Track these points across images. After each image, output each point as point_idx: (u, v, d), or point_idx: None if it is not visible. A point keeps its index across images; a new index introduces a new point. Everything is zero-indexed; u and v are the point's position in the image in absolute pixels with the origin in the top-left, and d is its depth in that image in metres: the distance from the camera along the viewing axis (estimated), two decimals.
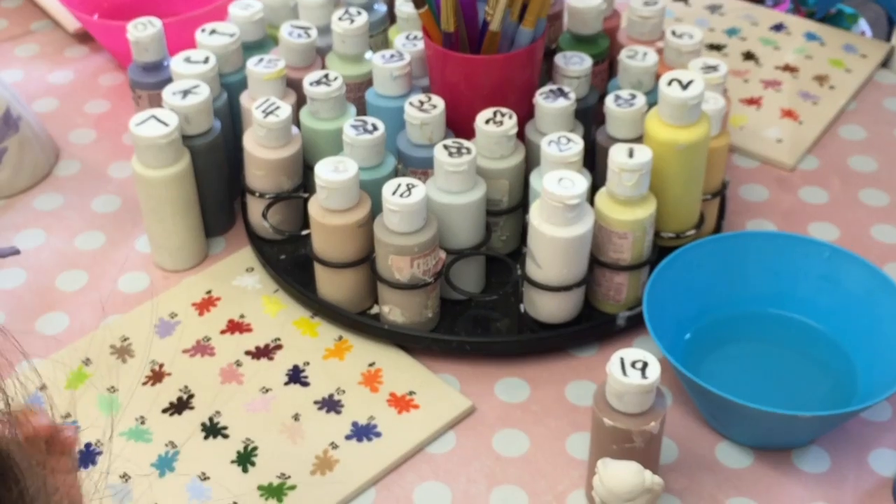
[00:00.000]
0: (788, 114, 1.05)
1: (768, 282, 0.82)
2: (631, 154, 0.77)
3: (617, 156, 0.77)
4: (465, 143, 0.81)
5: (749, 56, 1.14)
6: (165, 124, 0.86)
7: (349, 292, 0.84)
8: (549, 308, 0.81)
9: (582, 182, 0.76)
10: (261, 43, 0.99)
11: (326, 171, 0.79)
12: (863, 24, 1.46)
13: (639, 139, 0.85)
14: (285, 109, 0.86)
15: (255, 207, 0.91)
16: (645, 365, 0.67)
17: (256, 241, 0.92)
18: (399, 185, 0.77)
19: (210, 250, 0.94)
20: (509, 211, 0.86)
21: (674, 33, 0.93)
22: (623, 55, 0.91)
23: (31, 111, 1.03)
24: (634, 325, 0.84)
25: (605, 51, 0.97)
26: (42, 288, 0.91)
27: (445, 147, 0.80)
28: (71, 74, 1.16)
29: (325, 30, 0.97)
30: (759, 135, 1.03)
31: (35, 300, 0.90)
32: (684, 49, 0.92)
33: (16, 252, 0.84)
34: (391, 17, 1.04)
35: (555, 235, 0.77)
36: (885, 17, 1.49)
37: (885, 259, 0.90)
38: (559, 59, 0.91)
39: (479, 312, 0.85)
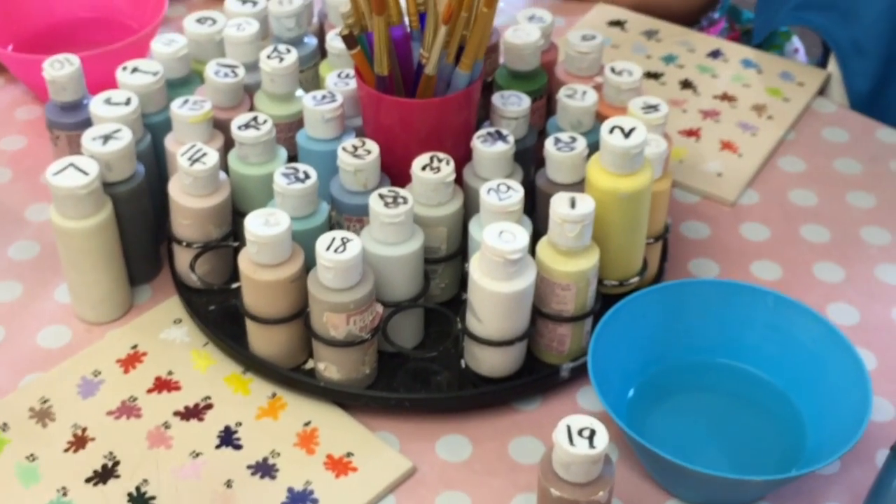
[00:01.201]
0: (728, 146, 1.04)
1: (714, 331, 0.80)
2: (573, 204, 0.75)
3: (559, 206, 0.75)
4: (402, 191, 0.78)
5: (687, 84, 1.12)
6: (85, 173, 0.81)
7: (282, 348, 0.80)
8: (490, 362, 0.79)
9: (523, 235, 0.74)
10: (186, 80, 0.95)
11: (257, 225, 0.76)
12: (796, 42, 1.46)
13: (580, 183, 0.83)
14: (212, 157, 0.82)
15: (182, 257, 0.87)
16: (593, 433, 0.64)
17: (184, 290, 0.88)
18: (333, 240, 0.74)
19: (135, 300, 0.90)
20: (448, 258, 0.83)
21: (613, 70, 0.91)
22: (562, 94, 0.88)
23: None
24: (578, 376, 0.81)
25: (543, 87, 0.94)
26: None
27: (381, 196, 0.77)
28: None
29: (252, 66, 0.94)
30: (699, 169, 1.02)
31: None
32: (624, 86, 0.90)
33: None
34: (322, 51, 1.01)
35: (496, 290, 0.74)
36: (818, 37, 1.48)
37: (828, 298, 0.89)
38: (496, 99, 0.88)
39: (418, 366, 0.82)
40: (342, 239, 0.74)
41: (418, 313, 0.82)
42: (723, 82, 1.13)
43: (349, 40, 0.82)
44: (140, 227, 0.88)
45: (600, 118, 0.90)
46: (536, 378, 0.81)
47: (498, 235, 0.73)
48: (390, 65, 0.80)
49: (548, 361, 0.82)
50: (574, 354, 0.81)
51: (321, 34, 1.03)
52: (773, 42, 1.45)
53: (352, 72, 0.90)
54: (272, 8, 0.97)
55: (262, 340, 0.81)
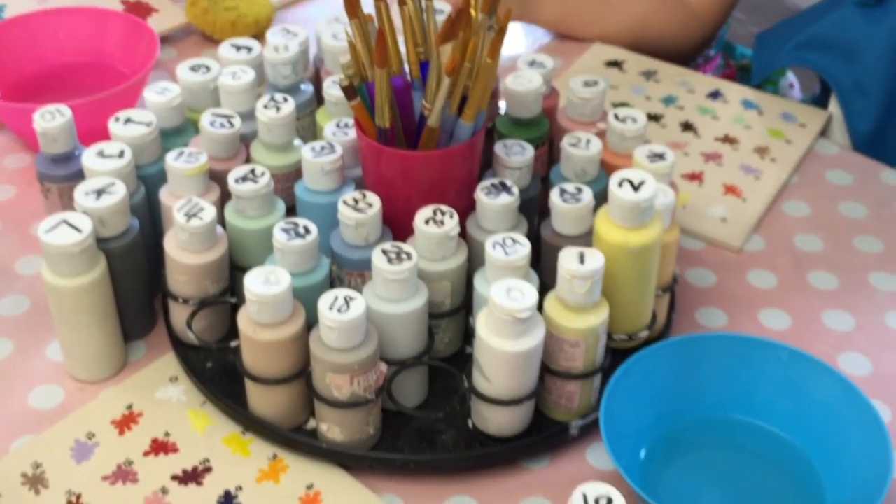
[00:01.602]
0: (731, 190, 1.03)
1: (728, 386, 0.78)
2: (582, 259, 0.73)
3: (567, 262, 0.73)
4: (405, 247, 0.76)
5: (687, 126, 1.11)
6: (78, 230, 0.79)
7: (283, 408, 0.78)
8: (498, 421, 0.76)
9: (532, 293, 0.72)
10: (180, 129, 0.93)
11: (256, 284, 0.73)
12: (790, 77, 1.45)
13: (586, 235, 0.81)
14: (209, 212, 0.80)
15: (177, 313, 0.84)
16: (609, 502, 0.62)
17: (180, 347, 0.85)
18: (336, 299, 0.72)
19: (129, 356, 0.87)
20: (452, 313, 0.81)
21: (616, 117, 0.89)
22: (566, 143, 0.86)
23: None
24: (588, 433, 0.79)
25: (545, 134, 0.93)
26: None
27: (384, 252, 0.75)
28: None
29: (248, 115, 0.92)
30: (703, 213, 1.00)
31: None
32: (628, 134, 0.88)
33: None
34: (318, 98, 0.99)
35: (504, 349, 0.72)
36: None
37: (839, 348, 0.88)
38: (499, 148, 0.86)
39: (423, 424, 0.79)
40: (345, 297, 0.72)
41: (422, 370, 0.80)
42: (724, 124, 1.11)
43: (349, 91, 0.80)
44: (134, 282, 0.86)
45: (604, 166, 0.88)
46: (545, 436, 0.78)
47: (506, 293, 0.71)
48: (392, 117, 0.79)
49: (556, 419, 0.79)
50: (583, 411, 0.79)
51: (317, 81, 1.01)
52: (769, 77, 1.44)
53: (350, 121, 0.88)
54: (268, 55, 0.95)
55: (262, 400, 0.78)
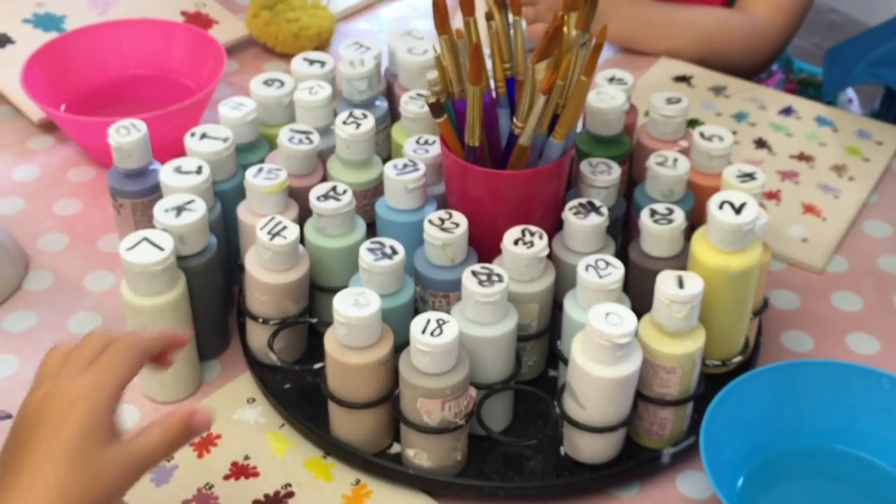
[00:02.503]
0: (810, 209, 1.00)
1: (827, 415, 0.76)
2: (681, 284, 0.71)
3: (665, 286, 0.71)
4: (496, 268, 0.74)
5: (761, 144, 1.09)
6: (160, 248, 0.77)
7: (367, 432, 0.76)
8: (590, 449, 0.74)
9: (631, 318, 0.70)
10: (254, 145, 0.92)
11: (346, 306, 0.71)
12: (850, 92, 1.43)
13: (677, 257, 0.79)
14: (293, 230, 0.78)
15: (256, 333, 0.83)
16: None
17: (257, 367, 0.84)
18: (428, 322, 0.70)
19: (204, 376, 0.85)
20: (538, 336, 0.79)
21: (702, 135, 0.87)
22: (652, 162, 0.84)
23: (5, 222, 0.94)
24: (678, 461, 0.77)
25: (626, 152, 0.91)
26: None
27: (474, 274, 0.73)
28: (37, 170, 1.07)
29: (324, 131, 0.90)
30: (783, 233, 0.98)
31: None
32: (715, 153, 0.86)
33: (7, 416, 0.75)
34: (392, 113, 0.97)
35: (602, 376, 0.70)
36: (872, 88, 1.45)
37: None
38: (585, 167, 0.84)
39: (509, 450, 0.77)
40: (438, 321, 0.70)
41: (509, 394, 0.78)
42: (798, 141, 1.09)
43: (436, 108, 0.78)
44: (211, 300, 0.84)
45: (690, 185, 0.86)
46: (636, 464, 0.76)
47: (604, 317, 0.69)
48: (482, 136, 0.77)
49: (647, 446, 0.77)
50: (674, 439, 0.77)
51: (390, 96, 0.99)
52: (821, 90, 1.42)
53: (430, 137, 0.87)
54: (343, 70, 0.94)
55: (346, 424, 0.77)
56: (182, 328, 0.80)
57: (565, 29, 0.75)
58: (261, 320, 0.81)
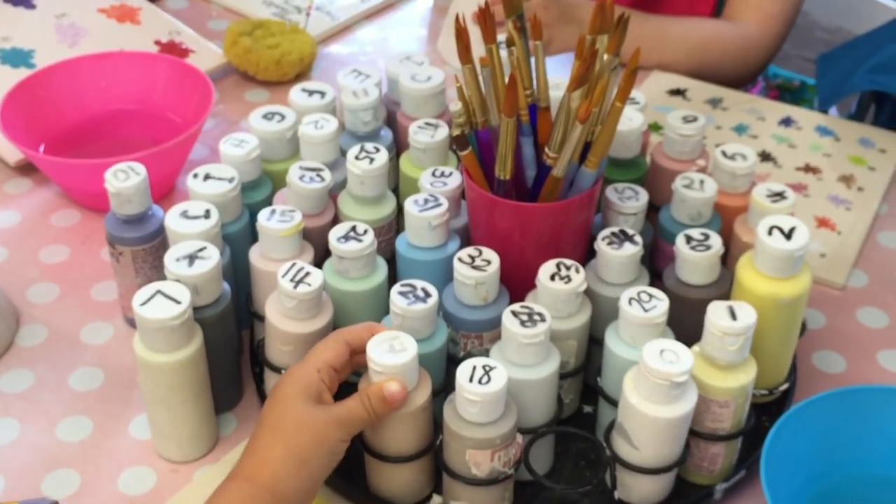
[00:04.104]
0: (824, 223, 0.99)
1: (881, 441, 0.73)
2: (734, 315, 0.68)
3: (718, 318, 0.68)
4: (536, 307, 0.70)
5: (766, 157, 1.07)
6: (176, 301, 0.73)
7: (406, 485, 0.72)
8: (643, 490, 0.71)
9: (687, 355, 0.67)
10: (257, 182, 0.87)
11: (381, 354, 0.68)
12: None
13: (715, 284, 0.76)
14: (317, 276, 0.74)
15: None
16: None
17: None
18: (474, 369, 0.66)
19: (220, 431, 0.81)
20: (575, 373, 0.76)
21: (724, 154, 0.85)
22: (679, 185, 0.82)
23: None
24: (728, 496, 0.75)
25: (645, 174, 0.88)
26: (25, 496, 0.76)
27: (515, 314, 0.70)
28: (16, 215, 1.01)
29: (331, 166, 0.86)
30: None
31: None
32: (739, 172, 0.84)
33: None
34: (397, 144, 0.93)
35: (659, 416, 0.67)
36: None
37: None
38: (611, 194, 0.81)
39: (553, 494, 0.74)
40: (484, 367, 0.67)
41: (551, 437, 0.75)
42: (802, 152, 1.07)
43: (461, 141, 0.75)
44: (225, 352, 0.80)
45: (715, 207, 0.84)
46: (689, 502, 0.73)
47: (659, 355, 0.66)
48: (514, 168, 0.74)
49: (696, 482, 0.75)
50: (725, 474, 0.74)
51: (391, 123, 0.96)
52: (803, 96, 1.41)
53: (446, 169, 0.83)
54: (346, 100, 0.90)
55: (384, 476, 0.72)
56: (199, 384, 0.76)
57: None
58: (283, 371, 0.76)
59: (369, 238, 0.76)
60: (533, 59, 0.78)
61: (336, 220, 0.84)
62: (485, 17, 0.76)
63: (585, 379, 0.79)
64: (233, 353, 0.82)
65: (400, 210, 0.83)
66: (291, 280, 0.73)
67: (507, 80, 0.76)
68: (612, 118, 0.72)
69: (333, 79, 1.08)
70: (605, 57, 0.73)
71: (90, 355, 0.87)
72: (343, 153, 0.87)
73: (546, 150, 0.74)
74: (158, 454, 0.79)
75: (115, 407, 0.83)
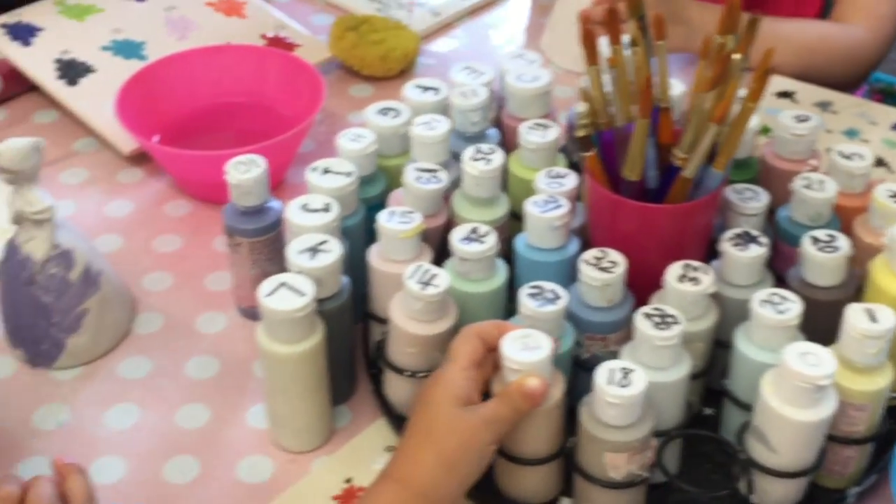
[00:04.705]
0: None
1: None
2: (873, 317, 0.67)
3: (857, 321, 0.67)
4: (668, 309, 0.70)
5: (879, 162, 1.05)
6: (300, 293, 0.73)
7: (535, 485, 0.72)
8: (777, 494, 0.71)
9: (830, 358, 0.66)
10: (372, 178, 0.88)
11: (516, 352, 0.67)
12: None
13: (842, 285, 0.75)
14: (443, 278, 0.74)
15: (399, 386, 0.78)
16: None
17: (394, 417, 0.80)
18: (612, 372, 0.66)
19: (335, 423, 0.81)
20: (700, 375, 0.76)
21: (842, 154, 0.83)
22: (798, 185, 0.81)
23: (107, 262, 0.89)
24: (859, 501, 0.74)
25: (757, 174, 0.87)
26: (147, 481, 0.77)
27: (647, 316, 0.69)
28: (129, 205, 1.03)
29: (442, 166, 0.86)
30: None
31: (139, 493, 0.76)
32: (857, 172, 0.83)
33: None
34: (504, 144, 0.93)
35: (801, 419, 0.66)
36: None
37: None
38: (731, 194, 0.81)
39: (683, 497, 0.72)
40: (622, 370, 0.66)
41: (679, 440, 0.74)
42: None
43: (585, 142, 0.74)
44: (342, 345, 0.80)
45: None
46: None
47: (800, 358, 0.65)
48: (642, 169, 0.73)
49: (827, 486, 0.74)
50: (856, 477, 0.74)
51: (497, 123, 0.95)
52: None
53: (561, 170, 0.83)
54: (455, 101, 0.90)
55: (515, 479, 0.72)
56: (319, 375, 0.77)
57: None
58: (407, 373, 0.76)
59: (492, 240, 0.76)
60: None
61: (450, 222, 0.84)
62: (612, 18, 0.75)
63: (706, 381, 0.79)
64: (349, 346, 0.82)
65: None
66: (419, 282, 0.73)
67: (629, 80, 0.76)
68: (742, 118, 0.71)
69: (436, 75, 1.09)
70: (736, 58, 0.72)
71: (205, 344, 0.88)
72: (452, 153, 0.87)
73: (675, 151, 0.73)
74: (275, 444, 0.80)
75: (232, 396, 0.84)
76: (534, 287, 0.72)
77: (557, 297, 0.71)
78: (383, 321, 0.80)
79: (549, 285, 0.72)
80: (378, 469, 0.76)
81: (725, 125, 0.72)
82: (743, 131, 0.72)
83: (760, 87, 0.70)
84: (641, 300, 0.75)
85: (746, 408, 0.71)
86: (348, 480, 0.77)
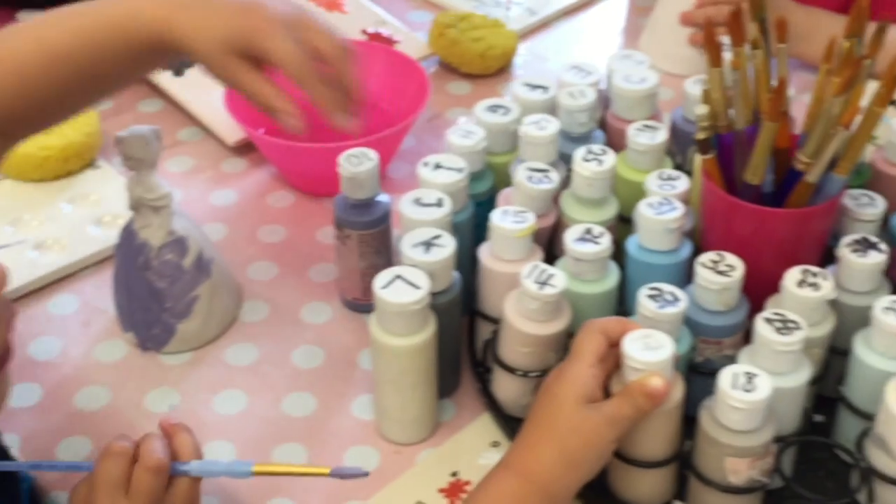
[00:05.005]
0: None
1: None
2: None
3: None
4: (789, 314, 0.69)
5: None
6: (416, 286, 0.74)
7: (652, 490, 0.72)
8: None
9: None
10: (480, 174, 0.88)
11: (638, 351, 0.67)
12: None
13: None
14: (560, 278, 0.74)
15: (509, 384, 0.78)
16: None
17: (499, 413, 0.80)
18: (737, 376, 0.66)
19: (439, 417, 0.82)
20: (818, 381, 0.75)
21: None
22: None
23: (217, 250, 0.91)
24: None
25: (868, 180, 0.86)
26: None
27: (768, 321, 0.69)
28: (234, 194, 1.04)
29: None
30: None
31: (251, 478, 0.77)
32: None
33: (363, 474, 0.70)
34: (609, 145, 0.92)
35: None
36: None
37: None
38: (848, 200, 0.80)
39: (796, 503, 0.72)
40: (746, 374, 0.66)
41: (794, 446, 0.73)
42: None
43: (705, 145, 0.74)
44: (451, 339, 0.81)
45: None
46: None
47: None
48: (764, 172, 0.73)
49: None
50: None
51: (603, 125, 0.95)
52: None
53: (672, 172, 0.82)
54: (563, 101, 0.90)
55: (626, 480, 0.72)
56: (428, 369, 0.77)
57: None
58: (519, 373, 0.77)
59: (606, 241, 0.76)
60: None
61: (559, 222, 0.84)
62: (736, 20, 0.75)
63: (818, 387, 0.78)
64: (456, 342, 0.83)
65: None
66: (535, 281, 0.73)
67: (748, 83, 0.75)
68: (868, 123, 0.70)
69: (532, 73, 1.08)
70: (867, 63, 0.71)
71: (310, 334, 0.89)
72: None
73: (798, 155, 0.72)
74: (381, 435, 0.81)
75: (337, 386, 0.85)
76: (653, 289, 0.72)
77: (677, 300, 0.71)
78: (492, 319, 0.80)
79: (667, 287, 0.72)
80: (484, 464, 0.78)
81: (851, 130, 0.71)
82: (869, 136, 0.71)
83: (889, 92, 0.69)
84: (754, 304, 0.74)
85: (864, 415, 0.70)
86: (454, 474, 0.78)
